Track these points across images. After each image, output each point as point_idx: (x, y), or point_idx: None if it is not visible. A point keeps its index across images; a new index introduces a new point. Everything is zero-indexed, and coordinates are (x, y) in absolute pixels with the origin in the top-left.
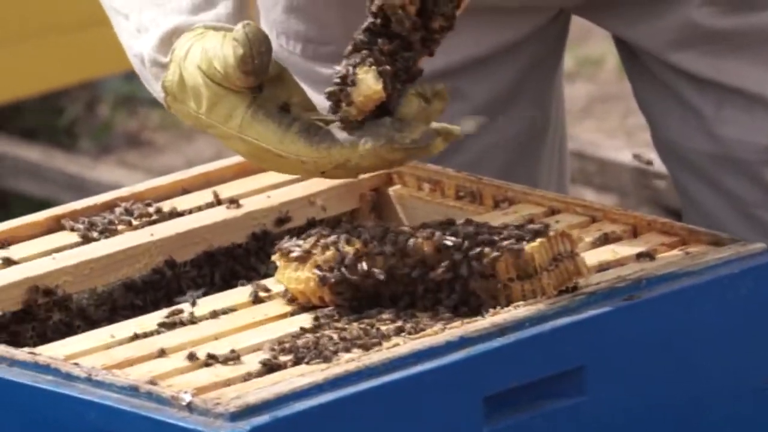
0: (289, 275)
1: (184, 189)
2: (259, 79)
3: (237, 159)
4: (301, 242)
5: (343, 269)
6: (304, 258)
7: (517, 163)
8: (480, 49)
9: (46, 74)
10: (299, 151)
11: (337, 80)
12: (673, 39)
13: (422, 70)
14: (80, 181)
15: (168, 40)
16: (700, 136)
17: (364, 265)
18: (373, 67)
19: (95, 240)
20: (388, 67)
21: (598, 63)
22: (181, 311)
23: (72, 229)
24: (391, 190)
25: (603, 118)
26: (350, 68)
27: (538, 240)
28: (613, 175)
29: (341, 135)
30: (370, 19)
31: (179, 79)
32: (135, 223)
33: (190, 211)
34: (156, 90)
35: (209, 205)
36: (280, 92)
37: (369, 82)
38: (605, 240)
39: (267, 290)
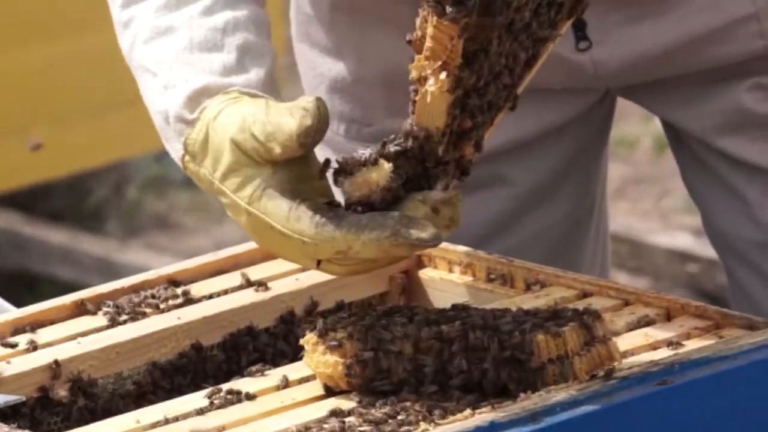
0: (317, 359)
1: (213, 271)
2: (305, 152)
3: None
4: (329, 327)
5: (371, 354)
6: (332, 343)
7: (558, 251)
8: (522, 132)
9: (75, 156)
10: (303, 230)
11: (349, 159)
12: (720, 123)
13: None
14: (107, 264)
15: (196, 99)
16: (745, 223)
17: (393, 350)
18: (391, 164)
19: (122, 324)
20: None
21: (632, 144)
22: (208, 396)
23: (99, 313)
24: (422, 273)
25: (637, 200)
26: (371, 154)
27: (571, 324)
28: (646, 258)
29: (347, 221)
30: (401, 142)
31: (203, 139)
32: (162, 306)
33: (218, 294)
34: (175, 148)
35: (237, 288)
36: (300, 172)
37: (380, 171)
38: (638, 324)
39: (295, 374)
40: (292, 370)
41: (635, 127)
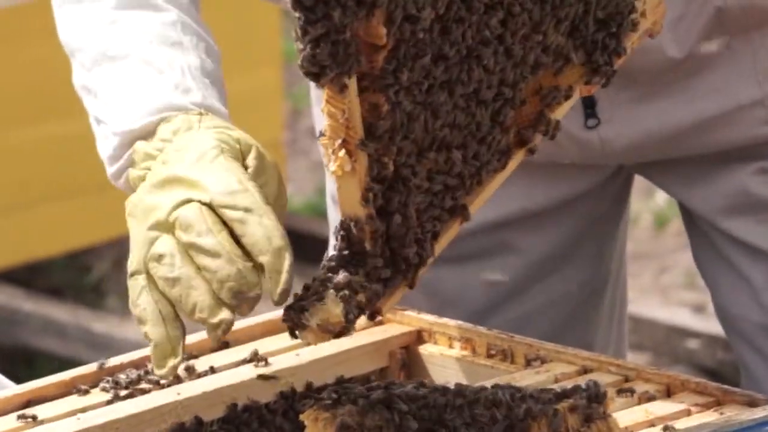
0: None
1: (213, 347)
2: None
3: (266, 317)
4: (329, 403)
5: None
6: (332, 418)
7: (571, 322)
8: (532, 202)
9: (73, 233)
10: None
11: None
12: (726, 205)
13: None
14: (108, 340)
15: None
16: (750, 305)
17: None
18: (339, 294)
19: (121, 399)
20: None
21: (633, 220)
22: None
23: (98, 389)
24: (422, 348)
25: (637, 276)
26: (318, 285)
27: (570, 401)
28: (646, 334)
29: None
30: (336, 242)
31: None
32: (162, 382)
33: (215, 370)
34: (110, 145)
35: (238, 363)
36: None
37: (332, 309)
38: (638, 400)
39: None
40: None
41: (636, 203)
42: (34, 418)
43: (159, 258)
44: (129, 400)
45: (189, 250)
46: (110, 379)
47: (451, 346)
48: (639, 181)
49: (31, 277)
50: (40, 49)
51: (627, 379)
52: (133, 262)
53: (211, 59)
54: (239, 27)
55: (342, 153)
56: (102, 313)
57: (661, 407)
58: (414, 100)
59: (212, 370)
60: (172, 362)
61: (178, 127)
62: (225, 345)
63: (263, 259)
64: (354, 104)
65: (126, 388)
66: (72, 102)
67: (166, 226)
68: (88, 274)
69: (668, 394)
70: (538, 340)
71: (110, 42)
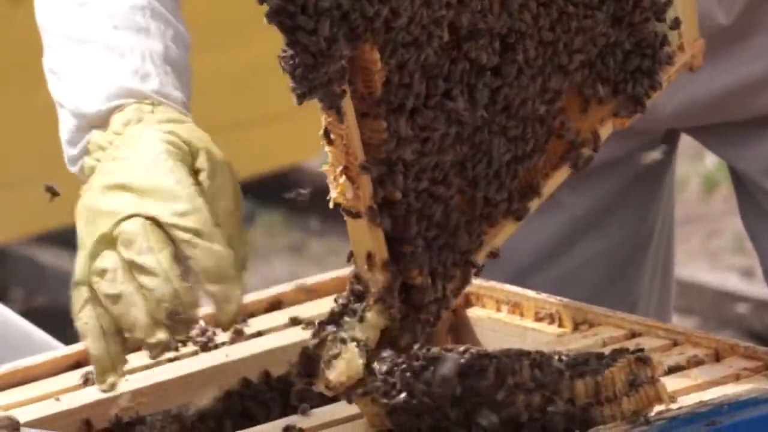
0: (364, 399)
1: (260, 310)
2: None
3: (312, 280)
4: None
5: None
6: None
7: (612, 280)
8: None
9: None
10: None
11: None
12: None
13: None
14: None
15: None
16: None
17: (434, 390)
18: (354, 344)
19: (170, 361)
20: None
21: (681, 184)
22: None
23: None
24: (470, 312)
25: (685, 240)
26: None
27: (617, 364)
28: (695, 298)
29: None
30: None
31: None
32: (210, 344)
33: (266, 333)
34: (67, 129)
35: (284, 327)
36: None
37: (349, 362)
38: (687, 364)
39: (341, 413)
40: (338, 409)
41: (684, 167)
42: (89, 378)
43: (102, 273)
44: (176, 362)
45: (131, 267)
46: None
47: (498, 310)
48: (688, 145)
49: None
50: None
51: (675, 343)
52: (77, 272)
53: (178, 46)
54: None
55: (342, 179)
56: None
57: (709, 371)
58: (416, 133)
59: (260, 334)
60: (111, 378)
61: (129, 118)
62: (277, 306)
63: (212, 288)
64: (353, 129)
65: (177, 349)
66: None
67: (110, 240)
68: None
69: (717, 358)
70: (585, 303)
71: (77, 25)
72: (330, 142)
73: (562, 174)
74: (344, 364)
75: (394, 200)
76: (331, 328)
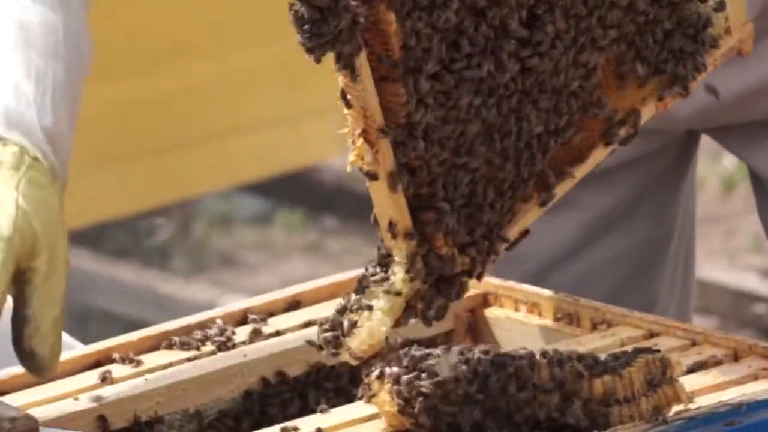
0: (383, 399)
1: (278, 309)
2: None
3: (330, 280)
4: (395, 368)
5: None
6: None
7: (631, 280)
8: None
9: (142, 195)
10: None
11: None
12: None
13: None
14: (173, 301)
15: None
16: None
17: (457, 391)
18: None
19: (188, 360)
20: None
21: (700, 184)
22: None
23: (168, 348)
24: (487, 312)
25: (704, 240)
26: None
27: (636, 364)
28: (714, 298)
29: None
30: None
31: None
32: (228, 343)
33: (284, 332)
34: None
35: (302, 326)
36: None
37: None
38: (705, 364)
39: (359, 413)
40: (356, 409)
41: (703, 167)
42: (107, 377)
43: None
44: (194, 362)
45: None
46: (176, 339)
47: (516, 310)
48: (707, 145)
49: (97, 238)
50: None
51: (694, 343)
52: None
53: (54, 60)
54: None
55: (360, 142)
56: (168, 274)
57: (728, 371)
58: (437, 99)
59: (278, 334)
60: None
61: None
62: (296, 305)
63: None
64: (369, 90)
65: (196, 348)
66: (140, 63)
67: None
68: (154, 236)
69: (735, 358)
70: (603, 303)
71: None
72: (348, 105)
73: (600, 154)
74: (366, 333)
75: (414, 166)
76: (355, 297)
